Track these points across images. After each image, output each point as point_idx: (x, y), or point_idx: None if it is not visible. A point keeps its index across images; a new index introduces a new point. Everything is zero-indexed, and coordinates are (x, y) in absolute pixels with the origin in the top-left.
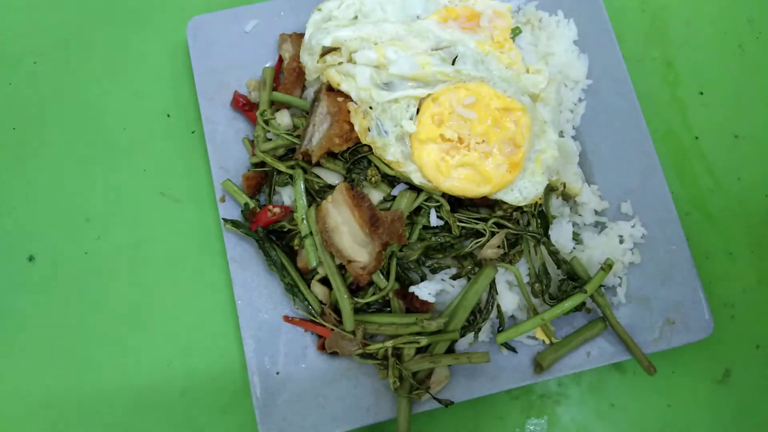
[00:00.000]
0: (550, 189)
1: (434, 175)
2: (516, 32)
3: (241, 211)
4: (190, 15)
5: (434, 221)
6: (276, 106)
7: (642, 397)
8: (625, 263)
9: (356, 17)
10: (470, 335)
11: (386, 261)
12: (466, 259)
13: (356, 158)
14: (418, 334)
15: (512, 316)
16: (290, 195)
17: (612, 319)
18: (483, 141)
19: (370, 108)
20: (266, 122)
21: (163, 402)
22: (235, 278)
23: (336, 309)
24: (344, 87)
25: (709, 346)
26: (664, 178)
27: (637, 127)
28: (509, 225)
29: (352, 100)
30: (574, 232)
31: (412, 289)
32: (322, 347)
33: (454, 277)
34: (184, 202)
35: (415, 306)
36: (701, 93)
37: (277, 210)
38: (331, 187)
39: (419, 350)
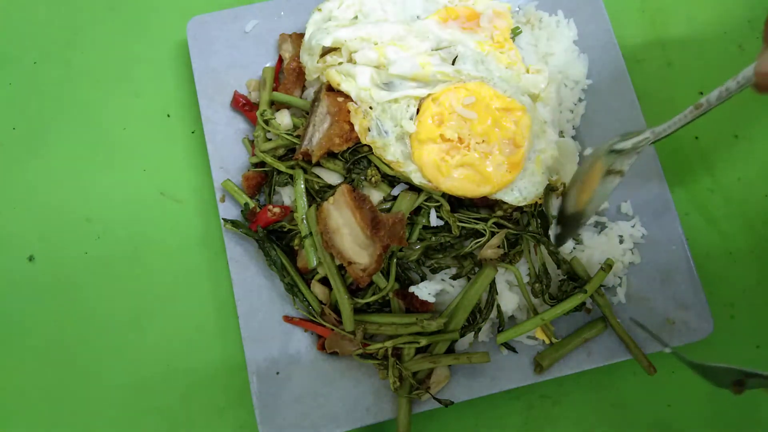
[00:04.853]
0: (550, 189)
1: (434, 175)
2: (516, 32)
3: (241, 211)
4: (190, 15)
5: (434, 221)
6: (276, 106)
7: (642, 397)
8: (625, 263)
9: (356, 17)
10: (470, 335)
11: (386, 261)
12: (466, 259)
13: (356, 158)
14: (418, 334)
15: (512, 316)
16: (290, 195)
17: (612, 319)
18: (483, 141)
19: (370, 108)
20: (266, 122)
21: (163, 402)
22: (235, 278)
23: (336, 309)
24: (344, 87)
25: (709, 346)
26: (664, 178)
27: (636, 128)
28: (509, 225)
29: (352, 100)
30: None
31: (412, 289)
32: (322, 347)
33: (454, 277)
34: (184, 202)
35: (415, 306)
36: (701, 93)
37: (277, 210)
38: (331, 187)
39: (419, 350)
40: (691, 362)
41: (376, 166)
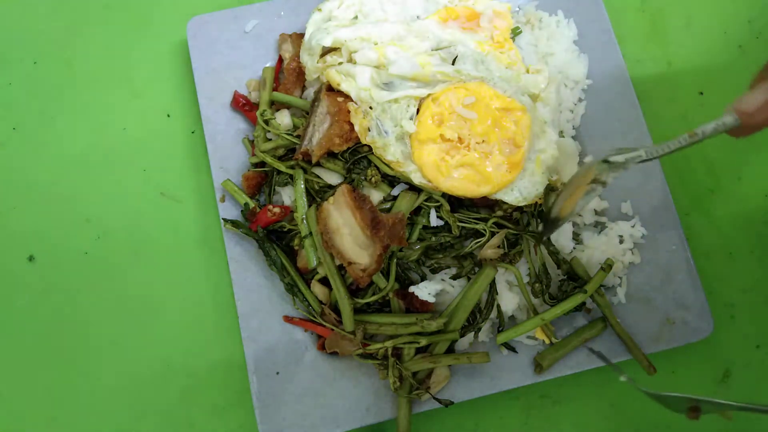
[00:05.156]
0: (550, 189)
1: (434, 175)
2: (516, 32)
3: (241, 211)
4: (190, 15)
5: (434, 221)
6: (276, 106)
7: (642, 397)
8: (625, 263)
9: (356, 17)
10: (470, 335)
11: (386, 261)
12: (466, 259)
13: (356, 158)
14: (418, 334)
15: (512, 316)
16: (290, 195)
17: (612, 319)
18: (483, 141)
19: (370, 108)
20: (266, 122)
21: (163, 402)
22: (235, 278)
23: (336, 309)
24: (344, 87)
25: (709, 346)
26: (664, 178)
27: (637, 127)
28: (509, 225)
29: (352, 100)
30: (574, 232)
31: (412, 289)
32: (322, 347)
33: (454, 277)
34: (185, 202)
35: (415, 306)
36: (701, 93)
37: (277, 210)
38: (331, 187)
39: (419, 350)
40: (646, 391)
41: (376, 166)
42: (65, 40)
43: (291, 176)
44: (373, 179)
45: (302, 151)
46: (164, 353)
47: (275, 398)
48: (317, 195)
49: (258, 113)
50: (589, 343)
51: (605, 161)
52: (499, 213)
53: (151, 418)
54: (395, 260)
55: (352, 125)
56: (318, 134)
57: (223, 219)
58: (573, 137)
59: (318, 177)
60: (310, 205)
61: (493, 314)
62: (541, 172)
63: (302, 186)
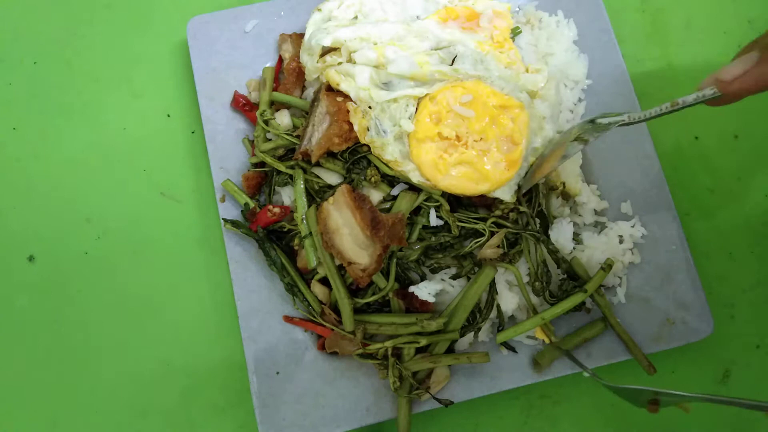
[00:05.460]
0: (550, 189)
1: (432, 173)
2: (516, 32)
3: (241, 211)
4: (190, 15)
5: (434, 221)
6: (276, 106)
7: None
8: (625, 263)
9: (356, 17)
10: (470, 335)
11: (386, 261)
12: (466, 259)
13: (356, 158)
14: (418, 334)
15: (512, 316)
16: (290, 195)
17: (612, 319)
18: (481, 139)
19: (369, 107)
20: (266, 122)
21: (163, 402)
22: (235, 278)
23: (336, 309)
24: (344, 87)
25: (709, 346)
26: (664, 178)
27: (637, 127)
28: (508, 224)
29: (351, 100)
30: (574, 232)
31: (412, 289)
32: (322, 347)
33: (454, 277)
34: (185, 202)
35: (415, 306)
36: None
37: (277, 210)
38: (331, 187)
39: (419, 350)
40: (606, 384)
41: (375, 165)
42: (65, 40)
43: (291, 176)
44: (372, 179)
45: (302, 151)
46: (164, 353)
47: (275, 398)
48: (317, 195)
49: (258, 113)
50: (589, 343)
51: (591, 121)
52: (498, 212)
53: (151, 418)
54: (395, 260)
55: (351, 125)
56: (317, 134)
57: (223, 219)
58: None
59: (318, 177)
60: (310, 205)
61: (493, 314)
62: None
63: (302, 186)
